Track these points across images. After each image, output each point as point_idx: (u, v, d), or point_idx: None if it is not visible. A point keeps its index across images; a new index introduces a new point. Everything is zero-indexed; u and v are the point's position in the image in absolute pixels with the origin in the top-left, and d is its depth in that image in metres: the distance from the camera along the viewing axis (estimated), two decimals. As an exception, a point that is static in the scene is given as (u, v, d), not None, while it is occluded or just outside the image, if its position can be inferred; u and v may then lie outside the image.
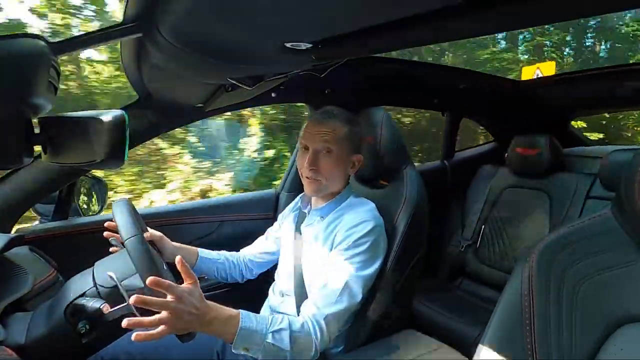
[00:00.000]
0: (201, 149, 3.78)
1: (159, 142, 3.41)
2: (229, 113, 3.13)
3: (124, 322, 0.67)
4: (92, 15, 3.67)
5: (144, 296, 0.69)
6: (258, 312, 0.92)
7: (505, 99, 1.97)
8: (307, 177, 1.03)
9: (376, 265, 0.98)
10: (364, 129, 1.16)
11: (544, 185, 1.72)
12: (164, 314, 0.70)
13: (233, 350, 0.80)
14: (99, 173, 1.41)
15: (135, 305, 0.70)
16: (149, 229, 1.05)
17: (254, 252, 1.25)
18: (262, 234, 1.29)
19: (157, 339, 0.70)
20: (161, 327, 0.70)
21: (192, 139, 3.76)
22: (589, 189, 1.60)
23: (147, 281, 0.69)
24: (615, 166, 1.44)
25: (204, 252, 1.18)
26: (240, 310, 0.82)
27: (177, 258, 0.75)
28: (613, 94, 1.76)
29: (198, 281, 0.77)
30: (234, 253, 1.25)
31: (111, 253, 0.92)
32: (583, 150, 1.89)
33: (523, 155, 1.76)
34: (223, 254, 1.22)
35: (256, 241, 1.28)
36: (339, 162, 1.02)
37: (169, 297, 0.70)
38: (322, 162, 1.01)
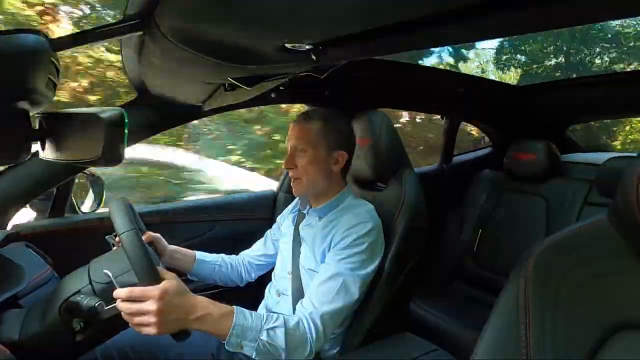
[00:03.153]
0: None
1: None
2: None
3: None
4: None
5: (124, 304, 0.73)
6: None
7: (504, 104, 1.98)
8: (292, 178, 1.07)
9: (373, 265, 0.98)
10: (362, 131, 1.16)
11: (542, 190, 1.73)
12: (147, 318, 0.72)
13: (226, 347, 0.80)
14: (96, 170, 1.40)
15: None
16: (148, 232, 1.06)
17: (253, 255, 1.25)
18: (260, 234, 1.29)
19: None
20: (148, 329, 0.72)
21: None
22: (586, 195, 1.61)
23: (119, 295, 0.73)
24: (612, 173, 1.45)
25: (202, 255, 1.18)
26: (234, 306, 0.82)
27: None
28: (610, 100, 1.77)
29: (176, 276, 0.78)
30: (232, 256, 1.25)
31: (107, 251, 0.91)
32: (580, 156, 1.90)
33: (521, 161, 1.77)
34: (221, 257, 1.22)
35: (255, 244, 1.28)
36: (315, 160, 1.03)
37: (149, 302, 0.72)
38: (298, 161, 1.04)
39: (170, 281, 0.75)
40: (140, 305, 0.72)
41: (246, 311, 0.83)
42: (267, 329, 0.82)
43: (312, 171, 1.04)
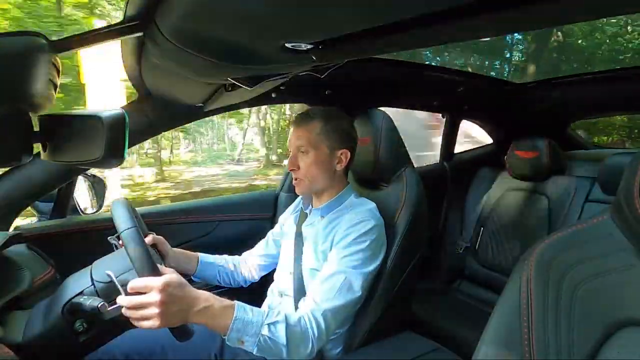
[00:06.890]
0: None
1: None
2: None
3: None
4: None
5: (127, 297, 0.72)
6: None
7: (505, 101, 1.98)
8: (293, 178, 1.07)
9: (375, 264, 0.98)
10: (362, 130, 1.16)
11: (543, 188, 1.72)
12: (150, 310, 0.72)
13: (227, 342, 0.80)
14: (98, 172, 1.40)
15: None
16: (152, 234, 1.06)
17: (255, 255, 1.25)
18: (262, 233, 1.29)
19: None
20: (151, 322, 0.72)
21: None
22: (588, 192, 1.60)
23: (128, 288, 0.72)
24: (615, 170, 1.44)
25: (205, 257, 1.18)
26: (235, 301, 0.82)
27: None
28: (612, 97, 1.76)
29: (174, 271, 0.78)
30: (235, 257, 1.25)
31: (109, 252, 0.92)
32: (582, 153, 1.89)
33: (522, 158, 1.76)
34: (224, 258, 1.22)
35: (257, 244, 1.28)
36: (318, 160, 1.04)
37: (151, 293, 0.72)
38: (301, 162, 1.04)
39: (171, 274, 0.76)
40: (143, 298, 0.72)
41: (247, 306, 0.83)
42: (268, 324, 0.82)
43: (315, 172, 1.04)
